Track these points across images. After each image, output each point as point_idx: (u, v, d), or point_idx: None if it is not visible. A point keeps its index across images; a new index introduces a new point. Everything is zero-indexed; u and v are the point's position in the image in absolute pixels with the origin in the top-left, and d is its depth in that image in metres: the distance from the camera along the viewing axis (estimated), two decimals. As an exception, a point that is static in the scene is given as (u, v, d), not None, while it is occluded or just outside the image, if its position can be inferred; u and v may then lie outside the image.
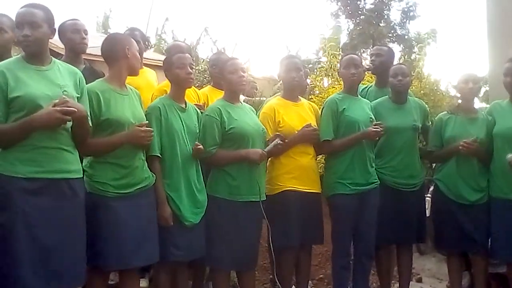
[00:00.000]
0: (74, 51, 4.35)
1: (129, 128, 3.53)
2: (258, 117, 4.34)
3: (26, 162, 3.04)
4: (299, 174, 4.31)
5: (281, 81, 5.25)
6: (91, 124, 3.36)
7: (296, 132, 4.32)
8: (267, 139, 4.21)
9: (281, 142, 4.15)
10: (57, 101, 3.03)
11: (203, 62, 11.51)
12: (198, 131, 4.01)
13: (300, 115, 4.43)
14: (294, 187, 4.28)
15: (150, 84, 4.71)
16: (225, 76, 4.19)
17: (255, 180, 4.07)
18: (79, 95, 3.29)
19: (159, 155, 3.79)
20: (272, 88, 11.39)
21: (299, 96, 4.59)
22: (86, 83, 3.46)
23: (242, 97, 4.65)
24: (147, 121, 3.65)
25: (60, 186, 3.12)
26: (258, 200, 4.06)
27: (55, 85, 3.16)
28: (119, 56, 3.63)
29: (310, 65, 13.50)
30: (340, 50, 10.17)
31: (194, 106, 4.16)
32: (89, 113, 3.35)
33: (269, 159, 4.31)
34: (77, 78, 3.34)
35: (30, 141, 3.06)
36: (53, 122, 3.04)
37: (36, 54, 3.17)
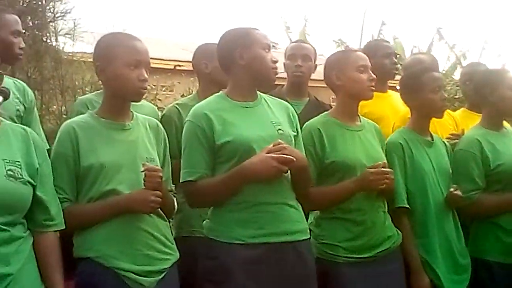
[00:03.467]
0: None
1: (361, 171, 2.96)
2: None
3: (243, 223, 2.62)
4: None
5: None
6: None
7: None
8: None
9: None
10: (271, 146, 2.57)
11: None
12: (450, 169, 3.32)
13: None
14: None
15: (395, 110, 3.87)
16: (499, 95, 3.34)
17: None
18: (295, 133, 2.83)
19: (407, 205, 3.13)
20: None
21: None
22: (309, 119, 3.08)
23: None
24: (384, 161, 3.05)
25: (284, 251, 2.64)
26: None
27: (267, 123, 2.73)
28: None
29: None
30: None
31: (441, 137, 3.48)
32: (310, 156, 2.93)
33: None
34: (289, 112, 2.89)
35: (244, 197, 2.62)
36: (268, 173, 2.56)
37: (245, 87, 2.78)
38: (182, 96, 6.63)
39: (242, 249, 2.58)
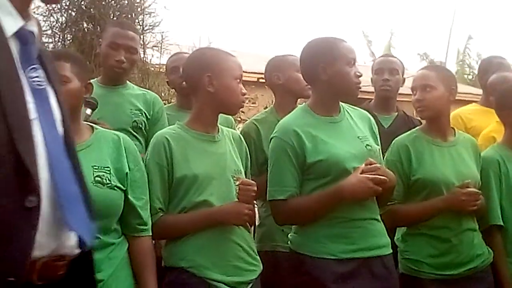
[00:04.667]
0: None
1: (450, 190, 2.87)
2: None
3: (335, 239, 2.58)
4: None
5: None
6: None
7: None
8: None
9: None
10: (364, 165, 2.53)
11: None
12: None
13: None
14: None
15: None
16: None
17: None
18: (379, 146, 2.79)
19: (501, 223, 3.02)
20: None
21: None
22: (398, 134, 3.03)
23: None
24: (473, 180, 2.93)
25: (374, 265, 2.62)
26: None
27: (355, 139, 2.67)
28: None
29: None
30: None
31: None
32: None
33: None
34: (371, 124, 2.83)
35: (336, 213, 2.58)
36: (366, 194, 2.55)
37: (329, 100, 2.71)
38: (265, 108, 6.60)
39: (335, 264, 2.54)
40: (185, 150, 2.50)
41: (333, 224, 2.58)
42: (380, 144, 2.78)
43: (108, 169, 2.25)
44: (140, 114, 3.12)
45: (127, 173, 2.29)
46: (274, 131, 2.68)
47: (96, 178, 2.20)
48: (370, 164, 2.52)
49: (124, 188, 2.28)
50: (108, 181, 2.22)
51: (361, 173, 2.50)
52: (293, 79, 3.22)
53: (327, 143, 2.59)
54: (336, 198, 2.54)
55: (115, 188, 2.24)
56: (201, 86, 2.53)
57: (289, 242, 2.71)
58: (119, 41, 3.12)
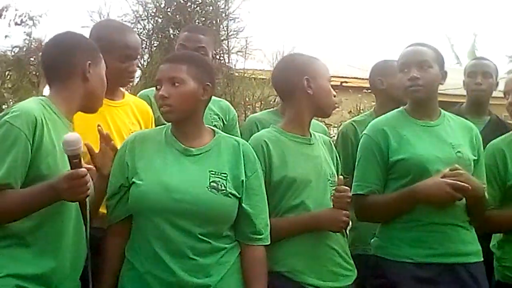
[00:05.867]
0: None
1: None
2: None
3: (414, 242, 2.57)
4: None
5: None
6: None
7: None
8: None
9: None
10: (447, 170, 2.49)
11: None
12: None
13: None
14: None
15: None
16: None
17: None
18: (476, 157, 2.70)
19: None
20: None
21: None
22: (491, 139, 2.95)
23: None
24: None
25: (457, 272, 2.56)
26: None
27: (446, 145, 2.63)
28: None
29: None
30: None
31: None
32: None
33: None
34: (473, 135, 2.76)
35: (415, 216, 2.57)
36: (441, 198, 2.49)
37: (423, 104, 2.68)
38: (349, 112, 6.54)
39: (412, 268, 2.54)
40: (283, 152, 2.51)
41: (412, 228, 2.57)
42: (478, 156, 2.71)
43: (225, 175, 2.23)
44: (218, 119, 3.20)
45: (243, 180, 2.26)
46: (366, 129, 2.72)
47: (212, 184, 2.19)
48: (455, 170, 2.49)
49: (239, 196, 2.25)
50: (223, 188, 2.20)
51: (442, 177, 2.48)
52: (396, 86, 3.19)
53: (411, 143, 2.60)
54: (410, 199, 2.54)
55: (230, 195, 2.21)
56: (300, 89, 2.54)
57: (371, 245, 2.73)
58: (186, 44, 3.18)
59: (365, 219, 2.79)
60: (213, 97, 3.24)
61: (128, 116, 2.80)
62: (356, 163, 2.70)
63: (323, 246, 2.48)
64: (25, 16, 8.21)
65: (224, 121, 3.23)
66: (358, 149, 2.73)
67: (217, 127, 3.09)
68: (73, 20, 17.65)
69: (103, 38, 2.70)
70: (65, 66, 2.19)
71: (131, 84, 4.03)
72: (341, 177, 2.52)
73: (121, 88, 2.87)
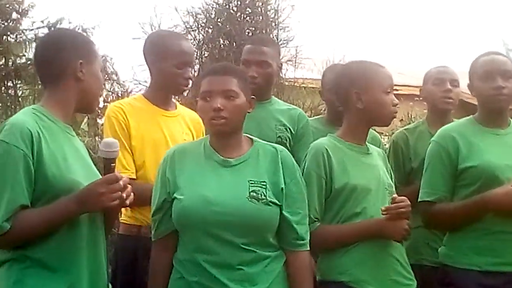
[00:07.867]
0: None
1: None
2: None
3: (481, 251, 2.56)
4: None
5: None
6: None
7: None
8: None
9: None
10: None
11: None
12: None
13: None
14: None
15: None
16: None
17: None
18: None
19: None
20: None
21: None
22: None
23: None
24: None
25: None
26: None
27: None
28: None
29: None
30: None
31: None
32: None
33: None
34: None
35: (482, 224, 2.56)
36: (510, 208, 2.47)
37: (502, 113, 2.69)
38: (401, 120, 6.45)
39: (479, 276, 2.53)
40: (343, 160, 2.50)
41: (479, 236, 2.56)
42: None
43: (264, 183, 2.21)
44: (284, 130, 3.13)
45: (282, 188, 2.24)
46: (434, 135, 2.72)
47: (252, 193, 2.18)
48: None
49: (280, 204, 2.23)
50: (263, 197, 2.19)
51: None
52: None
53: (482, 150, 2.58)
54: (480, 207, 2.51)
55: (270, 203, 2.20)
56: (350, 103, 2.53)
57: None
58: (249, 58, 3.14)
59: (432, 226, 2.79)
60: (282, 105, 3.26)
61: (181, 126, 2.83)
62: (424, 170, 2.69)
63: (386, 255, 2.46)
64: (78, 28, 8.37)
65: (293, 131, 3.15)
66: (426, 156, 2.71)
67: (281, 139, 3.09)
68: (125, 32, 17.99)
69: (158, 45, 2.75)
70: (54, 66, 2.09)
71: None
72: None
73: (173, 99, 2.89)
